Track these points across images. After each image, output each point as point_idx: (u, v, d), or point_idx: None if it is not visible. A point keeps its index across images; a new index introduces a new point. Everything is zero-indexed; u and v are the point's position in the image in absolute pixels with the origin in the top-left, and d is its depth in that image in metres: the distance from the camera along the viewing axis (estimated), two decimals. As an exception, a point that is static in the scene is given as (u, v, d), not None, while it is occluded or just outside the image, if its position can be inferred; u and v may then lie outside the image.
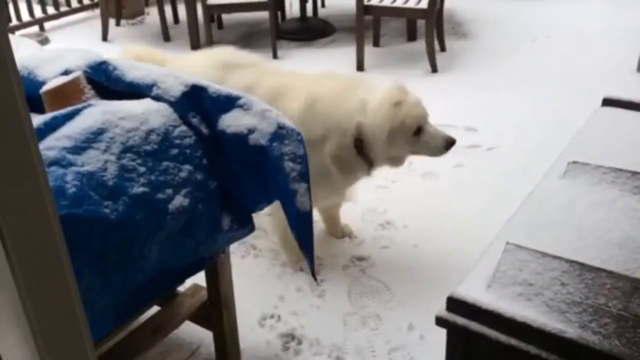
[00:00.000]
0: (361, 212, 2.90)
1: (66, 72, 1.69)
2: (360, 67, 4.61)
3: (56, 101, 1.62)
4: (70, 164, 1.34)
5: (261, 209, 1.79)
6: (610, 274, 1.38)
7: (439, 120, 3.74)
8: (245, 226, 1.74)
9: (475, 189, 3.07)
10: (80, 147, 1.38)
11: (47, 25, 5.94)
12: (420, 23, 4.84)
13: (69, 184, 1.31)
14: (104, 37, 5.55)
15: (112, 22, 5.79)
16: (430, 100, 4.26)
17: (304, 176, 1.62)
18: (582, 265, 1.41)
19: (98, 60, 1.68)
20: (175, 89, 1.57)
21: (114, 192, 1.37)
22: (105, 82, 1.66)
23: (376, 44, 5.12)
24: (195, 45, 5.16)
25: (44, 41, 5.54)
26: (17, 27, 5.69)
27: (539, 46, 4.97)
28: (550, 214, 1.69)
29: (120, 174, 1.40)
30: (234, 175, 1.64)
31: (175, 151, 1.52)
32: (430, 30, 4.46)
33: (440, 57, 4.67)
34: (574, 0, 6.05)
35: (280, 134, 1.61)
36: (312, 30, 5.50)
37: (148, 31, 5.79)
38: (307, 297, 2.37)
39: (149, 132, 1.49)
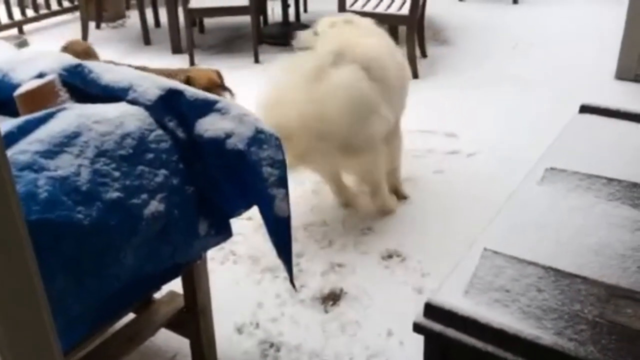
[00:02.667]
0: (342, 218, 2.89)
1: (41, 75, 1.66)
2: (341, 72, 4.61)
3: (30, 104, 1.59)
4: (43, 169, 1.32)
5: (239, 214, 1.78)
6: (585, 280, 1.39)
7: (419, 125, 3.78)
8: (223, 232, 1.73)
9: (456, 194, 3.07)
10: (53, 152, 1.35)
11: (26, 27, 5.87)
12: (402, 29, 4.86)
13: (40, 189, 1.29)
14: (84, 40, 5.49)
15: (92, 25, 5.74)
16: (411, 105, 4.28)
17: (283, 181, 1.61)
18: (557, 271, 1.42)
19: (73, 63, 1.66)
20: (151, 93, 1.56)
21: (87, 197, 1.35)
22: (80, 85, 1.64)
23: (358, 49, 5.12)
24: (177, 49, 5.14)
25: (23, 44, 5.48)
26: (-5, 29, 5.62)
27: (519, 52, 5.01)
28: (528, 220, 1.70)
29: (94, 178, 1.37)
30: (212, 180, 1.62)
31: (150, 155, 1.50)
32: (412, 37, 4.48)
33: (421, 63, 4.69)
34: (555, 5, 6.13)
35: (259, 138, 1.59)
36: (295, 35, 5.49)
37: (129, 35, 5.75)
38: (286, 304, 2.35)
39: (124, 136, 1.47)
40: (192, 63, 4.86)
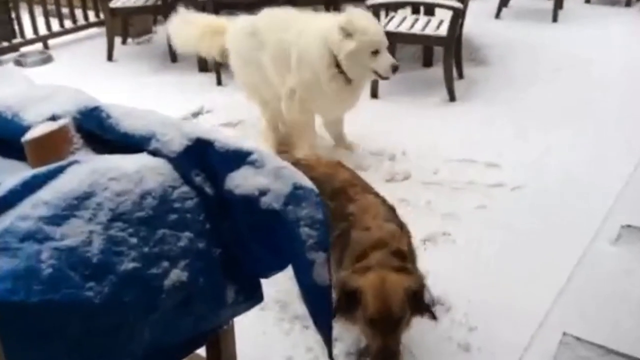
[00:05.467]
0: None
1: (53, 118, 1.48)
2: (374, 94, 4.40)
3: (40, 152, 1.41)
4: (47, 238, 1.13)
5: (273, 274, 1.57)
6: (691, 382, 1.15)
7: (458, 154, 3.54)
8: (253, 297, 1.53)
9: (502, 234, 2.82)
10: (60, 216, 1.17)
11: (51, 42, 5.78)
12: (437, 48, 4.64)
13: (44, 264, 1.10)
14: (109, 57, 5.38)
15: (118, 40, 5.62)
16: (449, 131, 4.04)
17: (323, 243, 1.40)
18: (654, 367, 1.19)
19: (90, 105, 1.47)
20: (177, 143, 1.36)
21: (98, 270, 1.16)
22: (97, 131, 1.45)
23: (391, 69, 4.90)
24: (203, 67, 4.98)
25: (47, 59, 5.39)
26: (21, 45, 5.53)
27: (562, 75, 4.73)
28: (606, 289, 1.48)
29: (107, 247, 1.18)
30: (242, 241, 1.42)
31: (174, 217, 1.30)
32: (449, 58, 4.26)
33: (458, 85, 4.45)
34: (596, 23, 5.84)
35: (297, 195, 1.39)
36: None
37: (155, 51, 5.61)
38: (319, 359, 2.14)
39: (144, 195, 1.27)
40: (219, 82, 4.70)
